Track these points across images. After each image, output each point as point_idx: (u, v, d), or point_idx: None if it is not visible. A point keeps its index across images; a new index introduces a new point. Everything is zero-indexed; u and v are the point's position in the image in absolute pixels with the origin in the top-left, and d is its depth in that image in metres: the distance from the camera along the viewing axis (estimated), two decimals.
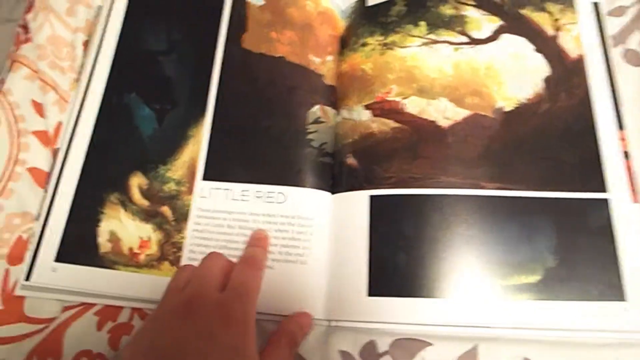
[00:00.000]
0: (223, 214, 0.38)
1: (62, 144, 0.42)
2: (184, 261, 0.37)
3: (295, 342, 0.34)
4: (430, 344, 0.35)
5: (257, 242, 0.37)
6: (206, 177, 0.39)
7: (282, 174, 0.39)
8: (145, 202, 0.39)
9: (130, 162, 0.40)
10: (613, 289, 0.34)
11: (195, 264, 0.35)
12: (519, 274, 0.35)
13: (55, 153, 0.42)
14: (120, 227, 0.39)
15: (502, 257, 0.35)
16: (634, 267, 0.35)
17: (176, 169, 0.40)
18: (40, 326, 0.37)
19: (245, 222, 0.38)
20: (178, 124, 0.41)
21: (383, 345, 0.35)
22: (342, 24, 0.44)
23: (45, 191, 0.40)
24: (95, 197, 0.40)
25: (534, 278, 0.35)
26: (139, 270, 0.37)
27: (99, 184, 0.40)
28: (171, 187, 0.39)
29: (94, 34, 0.45)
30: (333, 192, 0.39)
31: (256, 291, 0.33)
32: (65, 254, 0.38)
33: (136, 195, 0.40)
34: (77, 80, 0.44)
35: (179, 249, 0.38)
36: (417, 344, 0.35)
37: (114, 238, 0.39)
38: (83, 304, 0.38)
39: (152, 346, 0.29)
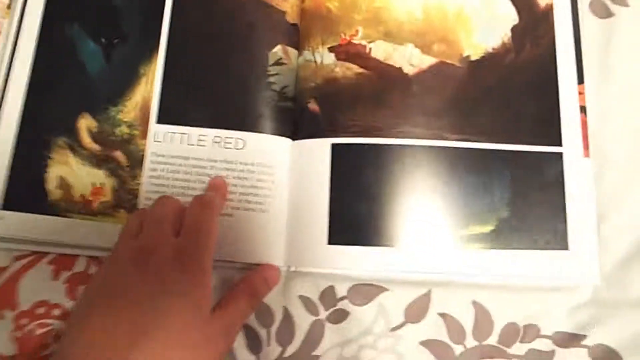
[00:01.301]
0: (179, 159, 0.35)
1: None
2: (139, 207, 0.35)
3: (256, 296, 0.32)
4: (386, 289, 0.35)
5: (215, 189, 0.34)
6: (160, 120, 0.36)
7: (242, 118, 0.36)
8: (96, 147, 0.36)
9: (77, 102, 0.36)
10: (558, 239, 0.34)
11: None
12: (474, 224, 0.35)
13: None
14: (70, 173, 0.35)
15: (460, 208, 0.34)
16: (578, 218, 0.35)
17: (128, 111, 0.36)
18: None
19: (202, 169, 0.35)
20: (128, 61, 0.37)
21: (342, 290, 0.35)
22: None
23: None
24: (40, 142, 0.35)
25: (487, 228, 0.35)
26: (93, 218, 0.35)
27: (43, 127, 0.36)
28: (123, 130, 0.36)
29: None
30: (293, 139, 0.36)
31: (213, 234, 0.30)
32: (11, 202, 0.35)
33: (86, 139, 0.36)
34: (9, 6, 0.38)
35: (135, 195, 0.35)
36: (374, 289, 0.35)
37: (64, 184, 0.35)
38: (35, 253, 0.35)
39: (105, 293, 0.27)
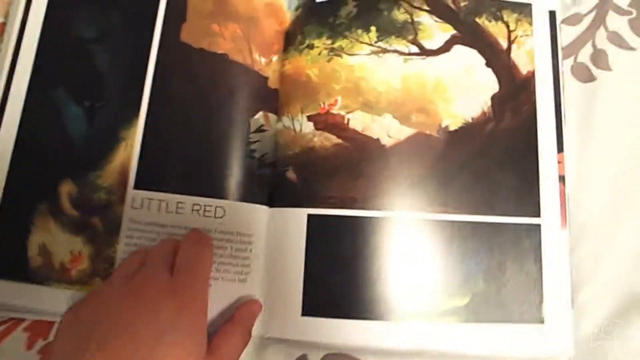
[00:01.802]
0: (157, 227, 0.35)
1: None
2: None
3: (249, 329, 0.32)
4: None
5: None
6: (138, 185, 0.35)
7: (221, 186, 0.35)
8: (75, 212, 0.35)
9: (60, 167, 0.36)
10: (533, 311, 0.34)
11: None
12: (450, 297, 0.34)
13: None
14: (51, 239, 0.35)
15: (436, 281, 0.34)
16: (554, 289, 0.34)
17: (106, 176, 0.35)
18: None
19: (179, 237, 0.34)
20: (109, 125, 0.36)
21: (315, 359, 0.34)
22: (287, 17, 0.39)
23: None
24: (24, 207, 0.35)
25: (462, 301, 0.34)
26: (71, 287, 0.34)
27: (27, 192, 0.35)
28: (101, 195, 0.35)
29: (13, 14, 0.38)
30: (271, 206, 0.36)
31: (207, 271, 0.31)
32: None
33: (66, 204, 0.35)
34: None
35: (111, 263, 0.34)
36: (348, 359, 0.34)
37: (44, 251, 0.35)
38: (11, 319, 0.34)
39: (100, 331, 0.26)
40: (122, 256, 0.34)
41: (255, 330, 0.34)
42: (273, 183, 0.36)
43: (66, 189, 0.35)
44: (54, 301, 0.34)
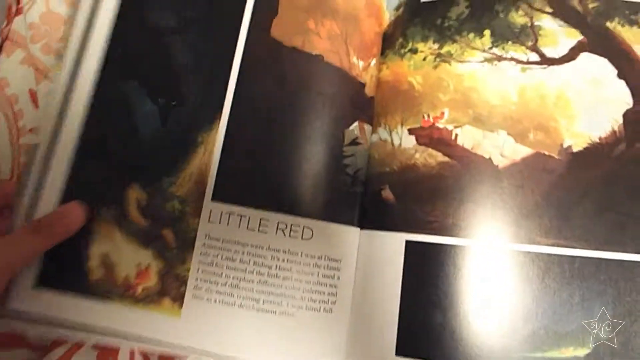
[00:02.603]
0: (236, 245, 0.30)
1: (42, 140, 0.31)
2: (188, 299, 0.29)
3: (45, 234, 0.28)
4: None
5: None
6: (217, 197, 0.30)
7: (310, 204, 0.30)
8: (143, 222, 0.30)
9: (128, 169, 0.31)
10: None
11: (201, 302, 0.28)
12: (566, 345, 0.28)
13: (33, 149, 0.31)
14: (115, 250, 0.30)
15: (549, 325, 0.28)
16: None
17: (181, 184, 0.31)
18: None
19: (262, 259, 0.30)
20: (186, 126, 0.31)
21: None
22: (386, 18, 0.33)
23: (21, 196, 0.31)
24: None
25: (582, 351, 0.28)
26: (135, 305, 0.29)
27: (89, 194, 0.31)
28: (174, 205, 0.30)
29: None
30: (362, 228, 0.30)
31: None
32: (47, 278, 0.30)
33: (134, 211, 0.31)
34: (61, 60, 0.33)
35: (183, 282, 0.30)
36: None
37: (107, 263, 0.30)
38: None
39: None
40: (196, 275, 0.29)
41: None
42: (365, 202, 0.31)
43: (134, 194, 0.31)
44: (114, 319, 0.29)
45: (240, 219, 0.30)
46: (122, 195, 0.31)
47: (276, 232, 0.30)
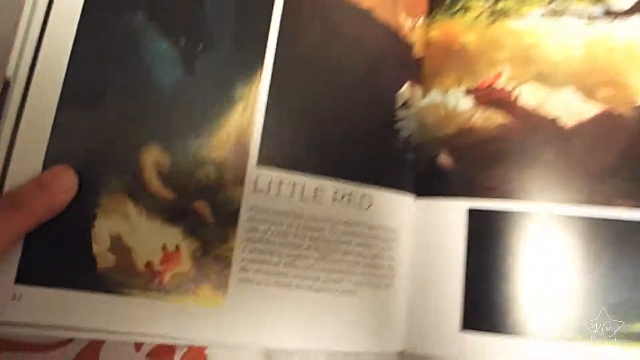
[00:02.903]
0: (289, 217, 0.25)
1: (13, 73, 0.22)
2: (233, 284, 0.24)
3: (22, 207, 0.21)
4: None
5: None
6: (263, 162, 0.25)
7: (366, 170, 0.26)
8: (168, 193, 0.24)
9: (141, 126, 0.24)
10: None
11: (249, 287, 0.23)
12: None
13: (4, 88, 0.22)
14: (129, 229, 0.23)
15: (631, 296, 0.28)
16: None
17: (216, 146, 0.25)
18: None
19: (319, 232, 0.25)
20: (219, 77, 0.25)
21: None
22: None
23: None
24: (85, 181, 0.23)
25: None
26: (164, 299, 0.23)
27: (87, 157, 0.23)
28: (209, 172, 0.24)
29: None
30: (417, 197, 0.28)
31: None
32: (37, 271, 0.22)
33: (154, 180, 0.24)
34: None
35: (225, 265, 0.24)
36: None
37: (119, 246, 0.23)
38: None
39: None
40: (242, 256, 0.24)
41: (399, 345, 0.26)
42: (420, 170, 0.28)
43: (152, 158, 0.24)
44: (136, 318, 0.22)
45: (293, 187, 0.25)
46: (136, 159, 0.24)
47: (333, 201, 0.26)
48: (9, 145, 0.22)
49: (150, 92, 0.24)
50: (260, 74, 0.25)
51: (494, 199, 0.27)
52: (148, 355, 0.24)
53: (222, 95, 0.25)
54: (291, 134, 0.25)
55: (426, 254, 0.27)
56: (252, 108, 0.25)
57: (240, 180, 0.24)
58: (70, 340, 0.23)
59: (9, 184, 0.22)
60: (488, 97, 0.28)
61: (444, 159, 0.28)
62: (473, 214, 0.27)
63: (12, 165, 0.22)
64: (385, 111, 0.27)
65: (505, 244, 0.27)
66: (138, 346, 0.24)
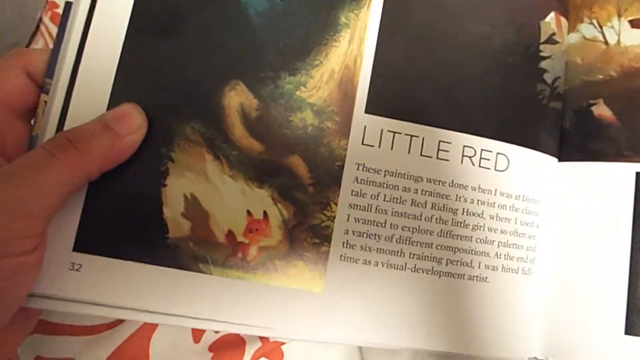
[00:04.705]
0: (405, 179, 0.18)
1: None
2: (333, 263, 0.17)
3: (82, 148, 0.15)
4: None
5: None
6: (373, 108, 0.18)
7: (503, 121, 0.19)
8: (255, 144, 0.18)
9: (224, 60, 0.18)
10: None
11: (354, 268, 0.17)
12: None
13: (65, 9, 0.17)
14: (207, 190, 0.17)
15: None
16: None
17: (315, 85, 0.18)
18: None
19: (443, 200, 0.18)
20: (318, 1, 0.18)
21: None
22: None
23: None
24: (155, 126, 0.17)
25: None
26: (247, 276, 0.17)
27: (158, 97, 0.17)
28: (307, 118, 0.18)
29: None
30: (561, 159, 0.20)
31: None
32: (93, 239, 0.16)
33: (238, 127, 0.18)
34: None
35: (324, 239, 0.17)
36: None
37: (195, 211, 0.17)
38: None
39: None
40: (345, 226, 0.18)
41: (533, 351, 0.19)
42: (566, 125, 0.21)
43: (237, 99, 0.18)
44: (212, 302, 0.16)
45: (411, 141, 0.18)
46: (217, 100, 0.18)
47: (462, 160, 0.19)
48: (70, 79, 0.17)
49: (235, 20, 0.18)
50: None
51: None
52: (211, 348, 0.18)
53: (322, 23, 0.18)
54: (409, 74, 0.18)
55: (576, 233, 0.20)
56: (360, 39, 0.18)
57: (344, 131, 0.18)
58: (118, 322, 0.18)
59: (69, 124, 0.16)
60: None
61: (602, 109, 0.20)
62: None
63: (73, 102, 0.17)
64: (528, 45, 0.19)
65: None
66: (197, 336, 0.18)
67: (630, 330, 0.19)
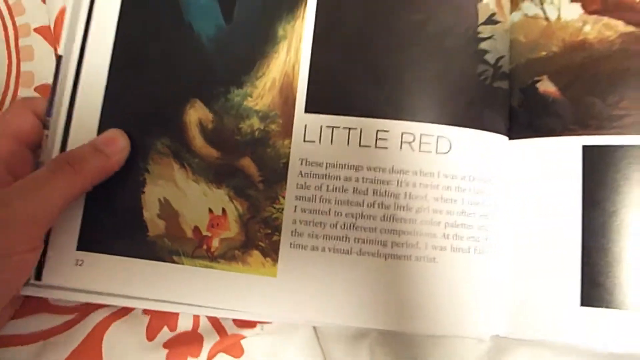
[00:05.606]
0: (346, 169, 0.19)
1: (65, 49, 0.21)
2: (284, 250, 0.19)
3: (77, 167, 0.19)
4: None
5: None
6: (312, 107, 0.20)
7: (442, 105, 0.20)
8: (212, 152, 0.20)
9: (184, 84, 0.20)
10: None
11: (303, 254, 0.18)
12: None
13: (57, 63, 0.21)
14: (176, 193, 0.20)
15: None
16: None
17: (260, 95, 0.20)
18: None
19: (384, 186, 0.19)
20: (259, 17, 0.21)
21: None
22: None
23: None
24: (135, 144, 0.20)
25: None
26: (212, 265, 0.19)
27: (135, 121, 0.20)
28: (253, 124, 0.20)
29: None
30: (511, 137, 0.20)
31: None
32: (92, 239, 0.19)
33: (198, 139, 0.20)
34: None
35: (274, 228, 0.19)
36: None
37: (168, 212, 0.20)
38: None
39: None
40: (293, 217, 0.19)
41: (493, 328, 0.19)
42: (514, 104, 0.20)
43: (196, 115, 0.20)
44: (185, 286, 0.19)
45: (349, 134, 0.20)
46: (180, 117, 0.20)
47: (401, 146, 0.19)
48: (67, 114, 0.20)
49: (191, 47, 0.21)
50: (305, 6, 0.20)
51: (618, 132, 0.19)
52: (165, 345, 0.20)
53: (264, 38, 0.20)
54: (344, 72, 0.20)
55: (529, 209, 0.19)
56: (296, 47, 0.20)
57: (287, 132, 0.20)
58: (69, 326, 0.20)
59: (68, 148, 0.20)
60: (603, 1, 0.19)
61: (546, 85, 0.20)
62: (589, 153, 0.19)
63: (72, 134, 0.20)
64: (466, 27, 0.20)
65: (635, 191, 0.18)
66: (150, 334, 0.20)
67: (585, 301, 0.19)
